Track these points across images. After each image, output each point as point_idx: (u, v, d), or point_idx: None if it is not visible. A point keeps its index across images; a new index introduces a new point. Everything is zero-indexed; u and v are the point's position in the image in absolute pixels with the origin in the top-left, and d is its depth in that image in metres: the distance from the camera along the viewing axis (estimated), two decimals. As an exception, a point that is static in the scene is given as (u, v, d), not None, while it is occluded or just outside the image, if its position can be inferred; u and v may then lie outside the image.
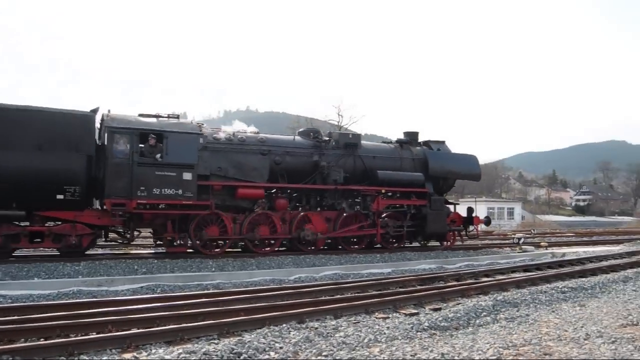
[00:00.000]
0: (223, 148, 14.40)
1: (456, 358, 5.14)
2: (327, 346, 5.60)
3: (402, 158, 17.52)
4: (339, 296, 8.49)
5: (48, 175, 12.14)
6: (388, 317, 7.14)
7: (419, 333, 6.27)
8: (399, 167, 17.25)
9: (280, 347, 5.53)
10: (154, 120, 13.73)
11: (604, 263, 13.48)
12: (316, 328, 6.29)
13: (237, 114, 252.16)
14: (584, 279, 10.70)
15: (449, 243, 18.26)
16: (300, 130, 17.58)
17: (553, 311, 7.70)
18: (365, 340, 5.83)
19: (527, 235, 24.56)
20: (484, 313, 7.39)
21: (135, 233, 14.04)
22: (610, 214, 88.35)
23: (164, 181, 13.01)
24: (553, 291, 9.16)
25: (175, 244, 13.80)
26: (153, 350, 5.47)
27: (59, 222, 12.61)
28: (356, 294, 8.71)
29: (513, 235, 22.93)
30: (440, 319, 6.87)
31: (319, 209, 15.86)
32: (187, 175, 13.31)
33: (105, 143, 12.80)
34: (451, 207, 18.28)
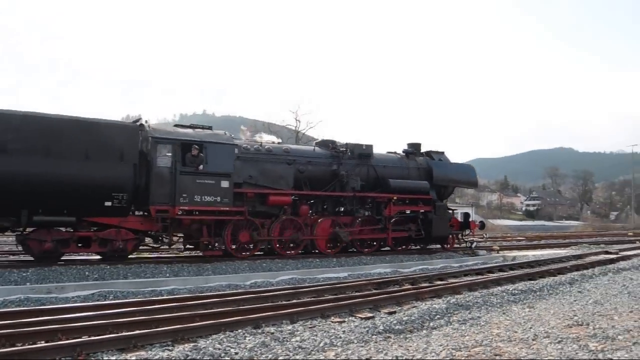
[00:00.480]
0: (253, 157, 15.22)
1: (410, 360, 5.23)
2: (283, 351, 5.61)
3: (409, 167, 18.76)
4: (295, 301, 8.50)
5: (98, 183, 12.54)
6: (344, 321, 7.20)
7: (374, 336, 6.35)
8: (407, 175, 18.47)
9: (236, 353, 5.50)
10: (190, 131, 14.52)
11: (552, 266, 13.94)
12: (272, 333, 6.28)
13: (193, 117, 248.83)
14: (533, 282, 11.04)
15: (449, 246, 19.44)
16: (318, 141, 18.86)
17: (503, 313, 7.93)
18: (321, 345, 5.87)
19: (480, 240, 25.12)
20: (438, 316, 7.54)
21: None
22: (558, 218, 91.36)
23: (203, 189, 13.65)
24: (504, 294, 9.42)
25: (210, 247, 14.32)
26: (105, 358, 5.35)
27: (95, 228, 12.99)
28: (312, 299, 8.74)
29: (466, 240, 23.36)
30: (395, 322, 6.97)
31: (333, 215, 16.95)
32: (225, 183, 14.04)
33: (149, 153, 13.29)
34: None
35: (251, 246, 15.12)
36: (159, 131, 13.82)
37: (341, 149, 17.50)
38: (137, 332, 6.07)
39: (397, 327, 6.81)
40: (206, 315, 7.04)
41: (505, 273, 12.64)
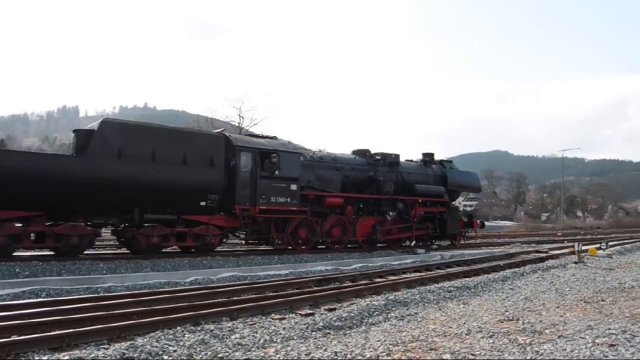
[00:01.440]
0: (310, 164, 17.50)
1: (348, 356, 5.31)
2: (222, 348, 5.57)
3: (427, 174, 21.69)
4: (235, 298, 8.46)
5: (196, 186, 14.32)
6: (284, 318, 7.23)
7: (314, 333, 6.41)
8: (426, 181, 21.35)
9: (174, 350, 5.43)
10: (263, 140, 16.58)
11: (486, 264, 14.48)
12: (212, 330, 6.23)
13: (134, 110, 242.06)
14: (468, 279, 11.42)
15: (457, 242, 22.66)
16: (355, 150, 20.73)
17: (440, 309, 8.18)
18: (261, 341, 5.87)
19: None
20: (377, 312, 7.69)
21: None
22: (493, 218, 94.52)
23: (277, 191, 15.83)
24: (440, 290, 9.71)
25: (278, 242, 16.47)
26: (36, 358, 5.17)
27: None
28: (253, 296, 8.72)
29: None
30: (334, 318, 7.06)
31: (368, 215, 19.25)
32: (294, 187, 16.28)
33: (233, 159, 15.08)
34: None
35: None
36: (241, 140, 15.88)
37: (376, 158, 20.17)
38: (71, 330, 5.87)
39: (337, 323, 6.90)
40: (144, 313, 6.91)
41: (442, 271, 13.03)
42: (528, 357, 5.20)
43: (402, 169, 20.60)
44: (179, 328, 6.24)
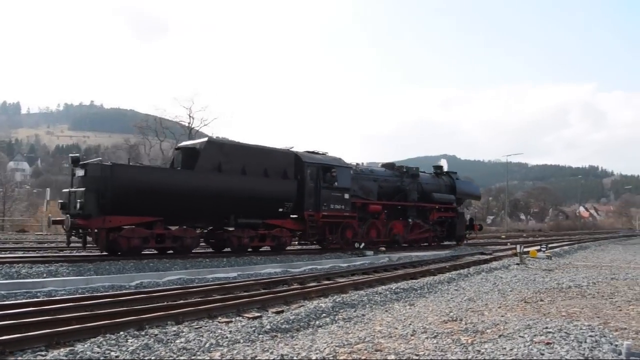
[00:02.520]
0: (355, 177, 20.40)
1: (295, 358, 5.32)
2: (166, 352, 5.48)
3: (440, 184, 25.18)
4: (181, 301, 8.32)
5: (276, 195, 17.03)
6: (231, 321, 7.17)
7: (260, 336, 6.38)
8: (439, 190, 24.68)
9: (117, 356, 5.30)
10: (321, 156, 19.60)
11: (432, 266, 14.78)
12: (156, 335, 6.11)
13: (79, 108, 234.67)
14: (414, 281, 11.63)
15: (461, 242, 26.04)
16: (384, 163, 24.24)
17: (386, 310, 8.29)
18: (207, 345, 5.80)
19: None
20: (324, 314, 7.73)
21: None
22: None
23: (335, 199, 18.89)
24: (387, 292, 9.85)
25: (332, 242, 19.40)
26: (-33, 366, 4.94)
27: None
28: (200, 299, 8.60)
29: (355, 241, 24.07)
30: (282, 321, 7.05)
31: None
32: (347, 196, 19.42)
33: (301, 172, 17.98)
34: None
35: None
36: (307, 157, 18.69)
37: (403, 170, 23.44)
38: (6, 337, 5.63)
39: (284, 326, 6.90)
40: (85, 318, 6.70)
41: (390, 273, 13.20)
42: (470, 357, 5.33)
43: (422, 180, 24.02)
44: (121, 333, 6.09)
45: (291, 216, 17.89)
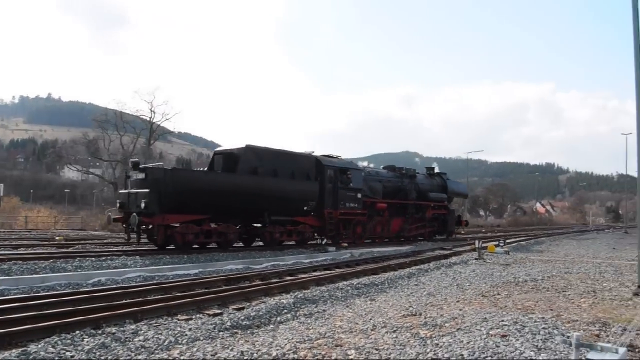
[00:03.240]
0: (365, 178, 22.81)
1: (255, 355, 5.30)
2: (124, 351, 5.38)
3: (433, 184, 28.20)
4: (140, 299, 8.18)
5: (302, 194, 19.22)
6: (191, 319, 7.10)
7: (221, 333, 6.34)
8: (433, 189, 27.70)
9: (72, 356, 5.17)
10: (337, 160, 22.04)
11: (393, 261, 14.94)
12: (114, 333, 6.00)
13: (36, 100, 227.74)
14: (376, 276, 11.74)
15: (450, 236, 29.30)
16: (385, 166, 27.38)
17: (347, 306, 8.34)
18: (166, 343, 5.73)
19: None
20: (285, 310, 7.73)
21: None
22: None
23: (350, 198, 21.33)
24: (348, 287, 9.92)
25: (345, 236, 21.54)
26: None
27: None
28: (159, 296, 8.49)
29: (318, 236, 24.19)
30: (242, 318, 7.02)
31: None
32: (359, 195, 21.87)
33: (321, 174, 20.31)
34: None
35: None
36: (326, 160, 21.09)
37: (402, 172, 26.26)
38: (-45, 338, 5.45)
39: (245, 322, 6.87)
40: (39, 317, 6.52)
41: (352, 268, 13.29)
42: (428, 350, 5.42)
43: (418, 180, 26.92)
44: (77, 332, 5.95)
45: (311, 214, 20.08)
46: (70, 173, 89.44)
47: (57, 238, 22.88)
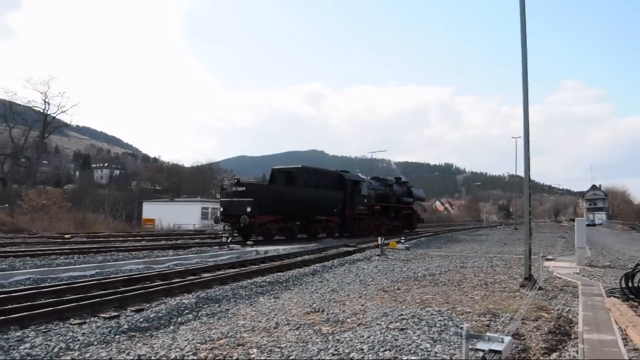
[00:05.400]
0: (366, 187, 29.44)
1: (153, 358, 5.12)
2: (7, 360, 5.00)
3: (403, 190, 35.53)
4: (28, 303, 7.63)
5: (333, 200, 26.37)
6: (85, 323, 6.74)
7: (117, 336, 6.07)
8: (403, 195, 34.96)
9: (-55, 368, 4.74)
10: (351, 173, 30.35)
11: (299, 258, 15.03)
12: (-4, 341, 5.56)
13: None
14: (280, 273, 11.75)
15: (414, 229, 36.81)
16: (373, 176, 35.09)
17: (251, 304, 8.27)
18: (55, 350, 5.40)
19: (236, 235, 25.80)
20: (187, 311, 7.54)
21: None
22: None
23: (360, 203, 28.23)
24: (253, 286, 9.85)
25: (352, 230, 28.30)
26: None
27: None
28: (50, 300, 7.97)
29: (223, 235, 23.97)
30: (141, 320, 6.77)
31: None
32: (365, 200, 28.82)
33: (342, 185, 27.27)
34: None
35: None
36: (347, 175, 28.51)
37: (385, 181, 33.60)
38: None
39: (144, 324, 6.63)
40: None
41: (256, 266, 13.21)
42: (329, 346, 5.48)
43: (395, 188, 33.87)
44: (-48, 341, 5.46)
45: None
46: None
47: None
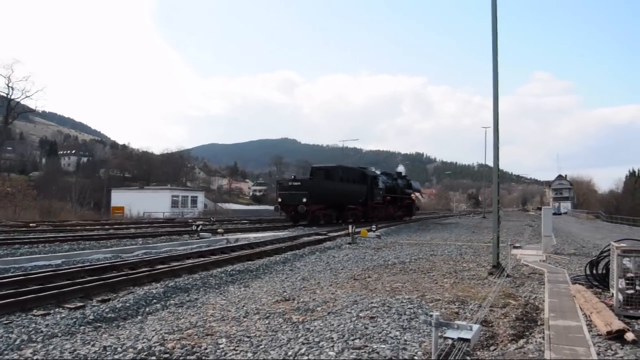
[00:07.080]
0: (379, 180, 34.94)
1: (119, 349, 5.00)
2: (-35, 353, 4.83)
3: (405, 183, 41.23)
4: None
5: (358, 193, 31.61)
6: (49, 314, 6.56)
7: (82, 327, 5.93)
8: (405, 187, 40.82)
9: None
10: (369, 170, 35.12)
11: (269, 247, 14.94)
12: (-47, 334, 5.37)
13: None
14: (250, 262, 11.66)
15: (412, 217, 43.11)
16: (382, 171, 38.82)
17: (221, 293, 8.19)
18: (17, 342, 5.24)
19: (207, 223, 25.64)
20: (155, 300, 7.42)
21: None
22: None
23: (378, 194, 33.66)
24: (222, 275, 9.75)
25: (372, 217, 32.82)
26: None
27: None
28: (12, 291, 7.74)
29: (193, 223, 23.73)
30: (107, 310, 6.63)
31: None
32: (381, 192, 34.23)
33: (363, 178, 32.89)
34: None
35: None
36: (368, 171, 33.94)
37: (392, 176, 39.04)
38: None
39: (110, 315, 6.49)
40: None
41: (227, 255, 13.08)
42: (299, 335, 5.45)
43: (399, 181, 39.69)
44: None
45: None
46: None
47: None
